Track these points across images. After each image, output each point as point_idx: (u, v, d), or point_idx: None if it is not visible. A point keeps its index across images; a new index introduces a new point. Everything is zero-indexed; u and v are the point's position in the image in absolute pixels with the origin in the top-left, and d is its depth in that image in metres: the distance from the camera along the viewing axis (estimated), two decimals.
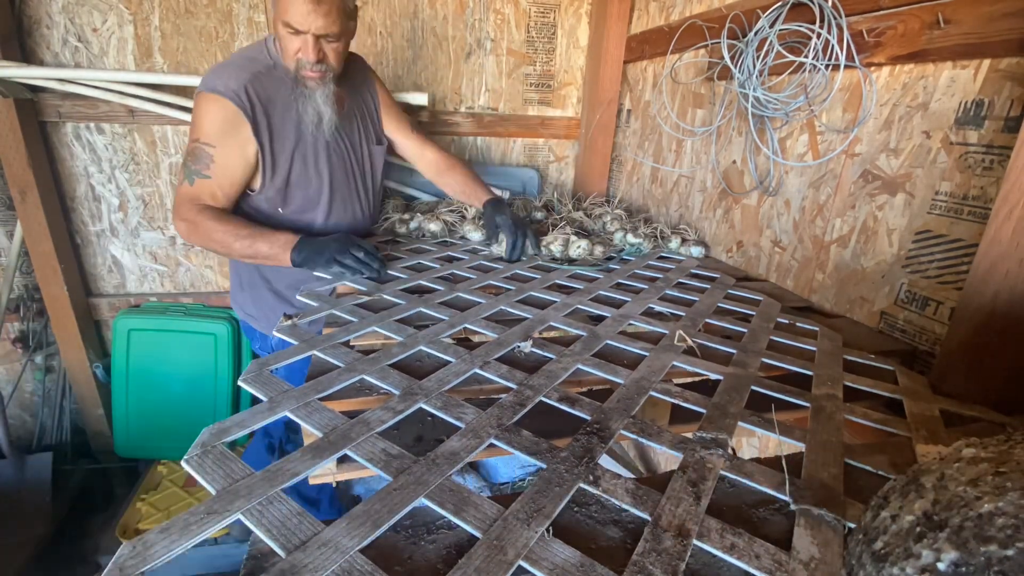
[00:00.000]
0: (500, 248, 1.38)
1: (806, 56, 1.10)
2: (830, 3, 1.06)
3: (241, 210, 1.29)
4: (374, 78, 1.48)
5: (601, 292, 1.15)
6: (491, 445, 0.63)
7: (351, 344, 0.87)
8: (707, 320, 1.03)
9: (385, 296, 1.06)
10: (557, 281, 1.21)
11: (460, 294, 1.09)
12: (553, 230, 1.44)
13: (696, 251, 1.49)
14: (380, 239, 1.47)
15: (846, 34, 1.05)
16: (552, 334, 0.96)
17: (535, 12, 2.04)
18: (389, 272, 1.20)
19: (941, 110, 0.93)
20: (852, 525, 0.51)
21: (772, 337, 0.96)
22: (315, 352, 0.81)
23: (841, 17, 1.06)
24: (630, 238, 1.51)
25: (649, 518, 0.52)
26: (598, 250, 1.39)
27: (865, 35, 1.04)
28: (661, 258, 1.47)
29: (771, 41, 1.16)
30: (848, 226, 1.12)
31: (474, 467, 2.10)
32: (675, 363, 0.84)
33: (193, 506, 0.50)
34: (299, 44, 1.14)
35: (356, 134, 1.40)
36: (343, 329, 0.89)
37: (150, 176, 1.89)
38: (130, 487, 1.95)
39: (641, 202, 1.99)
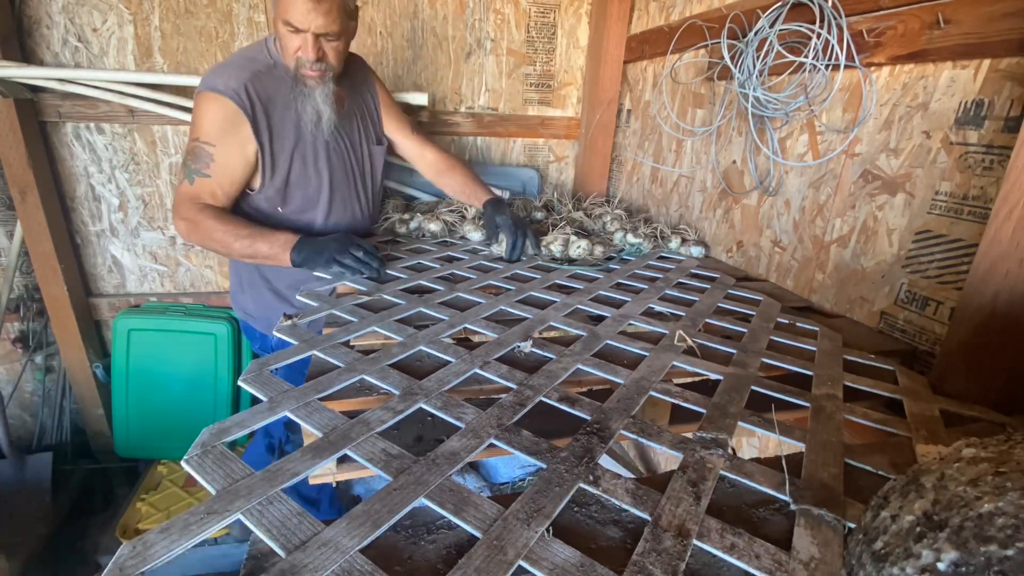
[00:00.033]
0: (500, 248, 1.38)
1: (806, 56, 1.10)
2: (830, 3, 1.06)
3: (241, 209, 1.29)
4: (374, 78, 1.48)
5: (601, 292, 1.15)
6: (491, 445, 0.63)
7: (351, 344, 0.87)
8: (707, 320, 1.03)
9: (385, 296, 1.06)
10: (557, 281, 1.21)
11: (460, 294, 1.09)
12: (553, 230, 1.44)
13: (696, 251, 1.49)
14: (380, 239, 1.47)
15: (846, 34, 1.05)
16: (552, 334, 0.96)
17: (535, 12, 2.04)
18: (389, 272, 1.20)
19: (941, 110, 0.93)
20: (852, 525, 0.51)
21: (772, 337, 0.96)
22: (315, 352, 0.81)
23: (841, 17, 1.06)
24: (630, 238, 1.52)
25: (649, 518, 0.52)
26: (598, 250, 1.39)
27: (865, 35, 1.04)
28: (661, 258, 1.47)
29: (771, 41, 1.16)
30: (848, 226, 1.12)
31: (474, 467, 2.10)
32: (675, 363, 0.84)
33: (193, 506, 0.50)
34: (299, 42, 1.14)
35: (356, 134, 1.40)
36: (343, 329, 0.89)
37: (150, 176, 1.89)
38: (130, 487, 1.96)
39: (641, 202, 1.99)
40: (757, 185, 1.37)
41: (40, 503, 1.82)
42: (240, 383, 0.72)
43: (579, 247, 1.38)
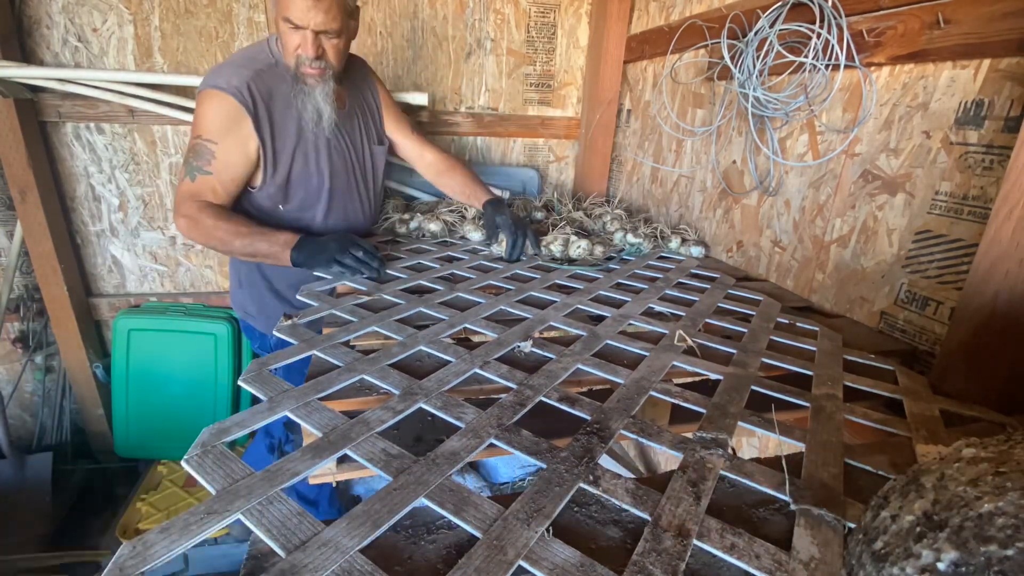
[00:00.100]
0: (500, 248, 1.38)
1: (806, 56, 1.10)
2: (830, 3, 1.06)
3: (242, 207, 1.30)
4: (375, 79, 1.48)
5: (601, 292, 1.15)
6: (491, 445, 0.63)
7: (351, 344, 0.87)
8: (707, 320, 1.03)
9: (385, 296, 1.06)
10: (557, 281, 1.21)
11: (460, 294, 1.09)
12: (553, 230, 1.44)
13: (696, 251, 1.49)
14: (380, 239, 1.47)
15: (846, 34, 1.05)
16: (552, 334, 0.96)
17: (535, 12, 2.04)
18: (389, 272, 1.20)
19: (941, 110, 0.93)
20: (852, 525, 0.51)
21: (772, 337, 0.96)
22: (315, 352, 0.81)
23: (841, 17, 1.06)
24: (630, 238, 1.51)
25: (649, 518, 0.52)
26: (598, 250, 1.39)
27: (865, 35, 1.04)
28: (661, 258, 1.47)
29: (771, 41, 1.16)
30: (848, 226, 1.12)
31: (474, 467, 2.10)
32: (675, 363, 0.84)
33: (193, 506, 0.50)
34: (299, 40, 1.14)
35: (357, 133, 1.40)
36: (343, 329, 0.89)
37: (150, 176, 1.89)
38: (130, 487, 1.95)
39: (641, 202, 1.99)
40: (757, 185, 1.37)
41: (40, 503, 1.82)
42: (240, 383, 0.72)
43: (579, 247, 1.38)
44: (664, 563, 0.46)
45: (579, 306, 1.06)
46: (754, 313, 1.07)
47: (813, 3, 1.08)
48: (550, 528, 0.50)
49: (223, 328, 1.94)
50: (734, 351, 0.89)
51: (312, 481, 0.67)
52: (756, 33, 1.20)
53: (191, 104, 1.69)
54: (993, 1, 0.83)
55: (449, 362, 0.80)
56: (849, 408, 0.73)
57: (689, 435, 0.66)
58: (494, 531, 0.49)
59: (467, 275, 1.22)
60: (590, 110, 2.11)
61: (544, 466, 0.58)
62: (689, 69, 1.64)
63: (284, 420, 0.66)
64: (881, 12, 1.01)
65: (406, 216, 1.58)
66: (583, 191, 2.17)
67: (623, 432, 0.66)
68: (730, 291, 1.20)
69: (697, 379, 0.84)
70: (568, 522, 0.53)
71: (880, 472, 0.61)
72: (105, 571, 0.43)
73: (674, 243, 1.53)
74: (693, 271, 1.35)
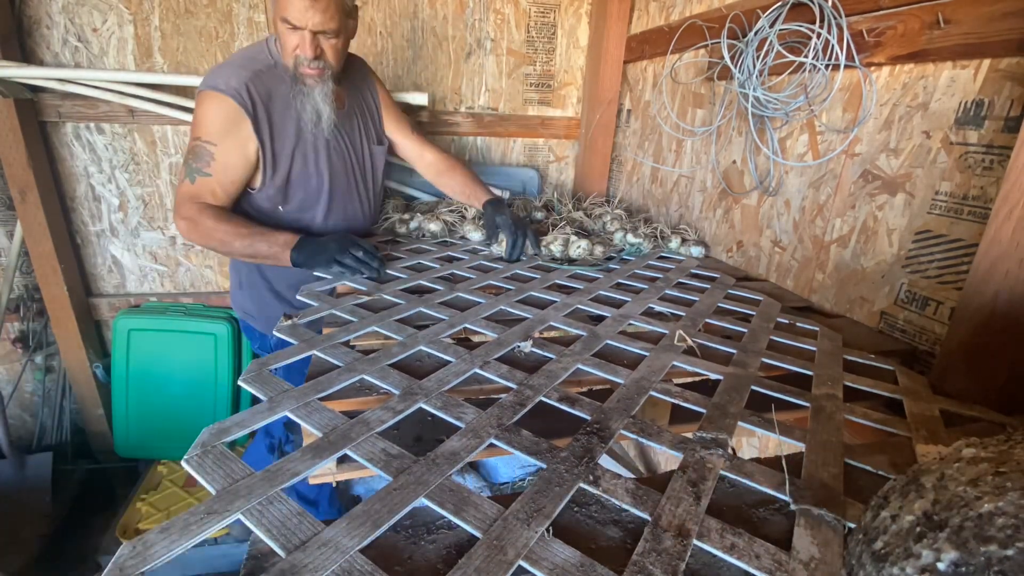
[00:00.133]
0: (500, 248, 1.38)
1: (806, 56, 1.10)
2: (830, 3, 1.06)
3: (241, 208, 1.30)
4: (374, 79, 1.48)
5: (601, 292, 1.15)
6: (491, 445, 0.63)
7: (351, 344, 0.87)
8: (707, 320, 1.03)
9: (385, 296, 1.06)
10: (557, 281, 1.21)
11: (460, 294, 1.09)
12: (553, 230, 1.44)
13: (696, 251, 1.49)
14: (380, 239, 1.47)
15: (846, 34, 1.05)
16: (552, 334, 0.96)
17: (535, 12, 2.04)
18: (389, 272, 1.20)
19: (941, 110, 0.93)
20: (852, 525, 0.51)
21: (772, 337, 0.96)
22: (315, 352, 0.81)
23: (841, 17, 1.06)
24: (630, 238, 1.51)
25: (649, 518, 0.52)
26: (598, 250, 1.39)
27: (865, 35, 1.04)
28: (661, 258, 1.47)
29: (771, 41, 1.16)
30: (848, 226, 1.12)
31: (474, 467, 2.10)
32: (675, 363, 0.84)
33: (193, 506, 0.50)
34: (297, 40, 1.15)
35: (356, 133, 1.40)
36: (343, 329, 0.89)
37: (150, 176, 1.89)
38: (130, 487, 1.95)
39: (641, 202, 1.99)
40: (757, 185, 1.37)
41: (40, 503, 1.82)
42: (240, 383, 0.72)
43: (579, 247, 1.38)
44: (664, 563, 0.46)
45: (579, 306, 1.06)
46: (754, 313, 1.07)
47: (813, 3, 1.08)
48: (550, 528, 0.50)
49: (223, 328, 1.94)
50: (734, 351, 0.89)
51: (312, 481, 0.67)
52: (756, 33, 1.20)
53: (191, 104, 1.69)
54: (993, 1, 0.83)
55: (449, 362, 0.80)
56: (849, 408, 0.73)
57: (689, 435, 0.66)
58: (494, 531, 0.49)
59: (467, 275, 1.22)
60: (590, 110, 2.11)
61: (544, 466, 0.58)
62: (689, 69, 1.64)
63: (284, 420, 0.66)
64: (881, 12, 1.01)
65: (406, 216, 1.58)
66: (583, 191, 2.17)
67: (623, 432, 0.66)
68: (730, 291, 1.20)
69: (697, 379, 0.84)
70: (568, 522, 0.53)
71: (880, 472, 0.61)
72: (105, 571, 0.43)
73: (674, 243, 1.53)
74: (693, 271, 1.35)
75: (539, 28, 2.07)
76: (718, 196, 1.54)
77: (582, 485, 0.56)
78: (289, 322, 0.90)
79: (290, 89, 1.22)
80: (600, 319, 1.02)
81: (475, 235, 1.51)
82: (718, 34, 1.32)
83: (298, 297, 1.04)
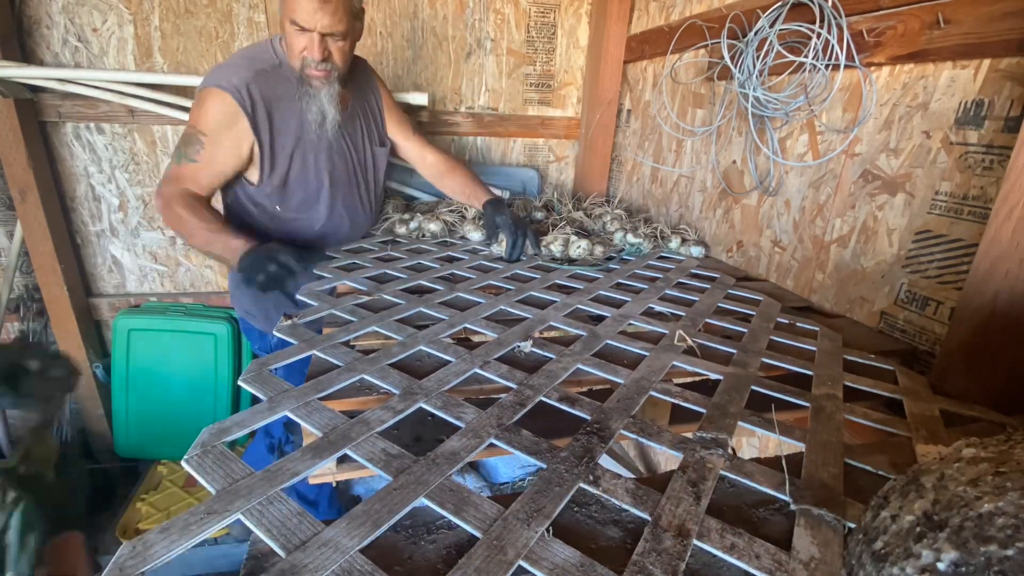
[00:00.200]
0: (500, 248, 1.39)
1: (806, 56, 1.10)
2: (830, 3, 1.06)
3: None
4: (377, 80, 1.48)
5: (601, 292, 1.15)
6: (491, 445, 0.63)
7: (351, 344, 0.87)
8: (707, 320, 1.03)
9: (385, 296, 1.06)
10: (557, 281, 1.21)
11: (460, 294, 1.09)
12: (553, 230, 1.44)
13: (696, 251, 1.49)
14: (380, 239, 1.47)
15: (846, 34, 1.05)
16: (552, 334, 0.96)
17: (535, 12, 2.04)
18: (389, 272, 1.20)
19: (941, 110, 0.93)
20: (852, 525, 0.51)
21: (772, 337, 0.96)
22: (315, 352, 0.81)
23: (841, 17, 1.06)
24: (630, 238, 1.51)
25: (649, 518, 0.52)
26: (598, 250, 1.39)
27: (865, 35, 1.04)
28: (661, 258, 1.47)
29: (771, 41, 1.16)
30: (848, 226, 1.12)
31: (474, 467, 2.10)
32: (675, 363, 0.84)
33: (193, 506, 0.50)
34: (305, 42, 1.15)
35: (359, 135, 1.40)
36: (343, 329, 0.89)
37: (150, 176, 1.89)
38: (130, 487, 1.95)
39: (641, 202, 1.99)
40: (757, 185, 1.37)
41: None
42: (240, 383, 0.72)
43: (579, 247, 1.38)
44: (664, 563, 0.46)
45: (579, 306, 1.06)
46: (754, 313, 1.07)
47: (813, 3, 1.08)
48: (550, 528, 0.50)
49: (223, 328, 1.94)
50: (734, 351, 0.89)
51: (312, 481, 0.67)
52: (756, 33, 1.20)
53: (191, 104, 1.69)
54: (993, 1, 0.83)
55: (449, 362, 0.80)
56: (849, 408, 0.73)
57: (689, 435, 0.66)
58: (494, 531, 0.49)
59: (467, 275, 1.22)
60: (590, 110, 2.11)
61: (544, 466, 0.58)
62: (689, 69, 1.64)
63: (284, 420, 0.66)
64: (881, 12, 1.01)
65: (406, 216, 1.58)
66: (583, 191, 2.16)
67: (623, 432, 0.66)
68: (730, 291, 1.20)
69: (697, 379, 0.84)
70: (568, 522, 0.53)
71: (880, 472, 0.61)
72: (105, 571, 0.43)
73: (674, 243, 1.53)
74: (693, 271, 1.35)
75: (539, 28, 2.07)
76: (718, 196, 1.54)
77: (582, 485, 0.56)
78: (289, 322, 0.90)
79: (296, 90, 1.22)
80: (600, 319, 1.02)
81: (475, 235, 1.51)
82: (718, 34, 1.32)
83: (298, 297, 1.04)
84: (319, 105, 1.22)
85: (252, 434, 1.70)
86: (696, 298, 1.14)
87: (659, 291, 1.17)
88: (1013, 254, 0.77)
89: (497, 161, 2.23)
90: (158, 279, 2.03)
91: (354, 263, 1.26)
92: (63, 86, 1.66)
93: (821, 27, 1.07)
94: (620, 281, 1.23)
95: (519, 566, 0.46)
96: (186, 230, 1.19)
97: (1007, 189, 0.77)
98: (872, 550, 0.42)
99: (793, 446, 0.65)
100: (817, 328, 1.01)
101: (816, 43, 1.08)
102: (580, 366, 0.81)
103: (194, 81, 1.70)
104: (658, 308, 1.09)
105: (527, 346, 0.87)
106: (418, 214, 1.59)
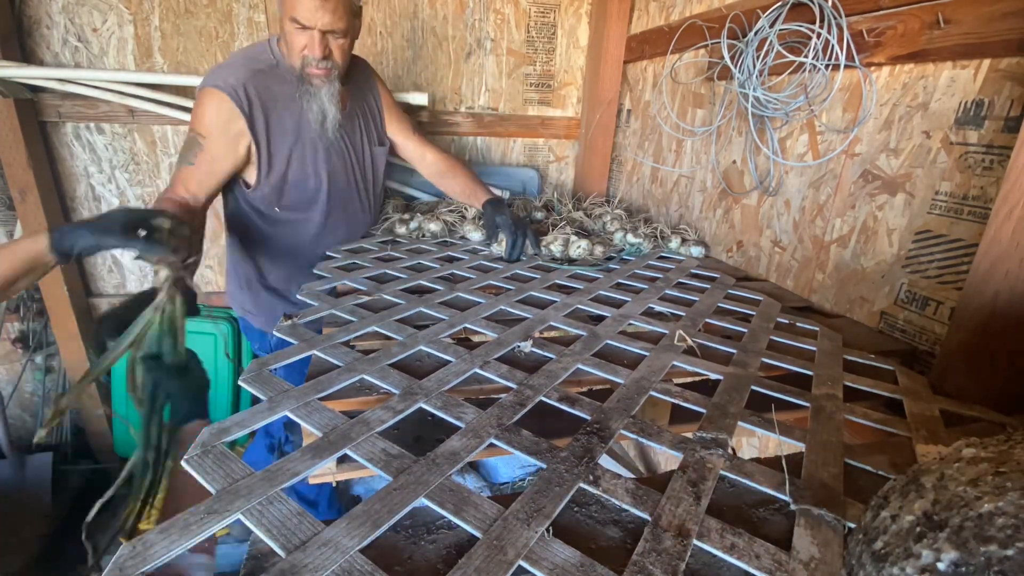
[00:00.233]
0: (500, 248, 1.38)
1: (806, 56, 1.10)
2: (830, 3, 1.06)
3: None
4: (376, 79, 1.48)
5: (601, 292, 1.15)
6: (491, 445, 0.63)
7: (351, 344, 0.87)
8: (707, 320, 1.03)
9: (385, 296, 1.06)
10: (557, 281, 1.21)
11: (460, 294, 1.09)
12: (553, 230, 1.44)
13: (696, 251, 1.49)
14: (380, 239, 1.47)
15: (846, 34, 1.05)
16: (552, 334, 0.96)
17: (535, 12, 2.04)
18: (389, 272, 1.20)
19: (941, 110, 0.93)
20: (852, 525, 0.51)
21: (772, 337, 0.96)
22: (315, 352, 0.81)
23: (841, 17, 1.06)
24: (630, 238, 1.51)
25: (649, 518, 0.52)
26: (598, 250, 1.39)
27: (865, 35, 1.04)
28: (661, 258, 1.46)
29: (771, 41, 1.16)
30: (848, 226, 1.12)
31: (474, 467, 2.10)
32: (675, 363, 0.84)
33: (193, 506, 0.50)
34: (306, 40, 1.15)
35: (358, 134, 1.40)
36: (343, 329, 0.89)
37: (150, 176, 1.89)
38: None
39: (641, 202, 1.99)
40: (757, 185, 1.37)
41: (40, 503, 1.82)
42: (240, 383, 0.72)
43: (579, 247, 1.38)
44: (664, 563, 0.46)
45: (579, 306, 1.06)
46: (754, 313, 1.07)
47: (813, 3, 1.08)
48: (550, 528, 0.50)
49: (223, 328, 1.95)
50: (734, 351, 0.89)
51: (312, 481, 0.67)
52: (756, 33, 1.20)
53: (191, 104, 1.69)
54: (993, 1, 0.83)
55: (449, 362, 0.80)
56: (849, 408, 0.73)
57: (689, 435, 0.66)
58: (494, 531, 0.49)
59: (467, 275, 1.22)
60: (590, 110, 2.11)
61: (544, 466, 0.58)
62: (689, 69, 1.64)
63: (284, 420, 0.66)
64: (881, 12, 1.01)
65: (406, 216, 1.57)
66: (583, 191, 2.17)
67: (623, 432, 0.66)
68: (730, 291, 1.20)
69: (697, 379, 0.84)
70: (568, 522, 0.53)
71: (880, 472, 0.61)
72: (105, 571, 0.43)
73: (674, 243, 1.53)
74: (693, 271, 1.35)
75: (539, 28, 2.07)
76: (718, 196, 1.54)
77: (582, 485, 0.56)
78: (289, 322, 0.90)
79: (295, 89, 1.22)
80: (600, 319, 1.02)
81: (475, 235, 1.51)
82: (718, 34, 1.32)
83: (298, 296, 1.04)
84: (319, 104, 1.22)
85: (252, 434, 1.70)
86: (696, 298, 1.14)
87: (659, 291, 1.17)
88: (1013, 254, 0.77)
89: (497, 161, 2.23)
90: None
91: (354, 263, 1.26)
92: (63, 86, 1.66)
93: (821, 27, 1.07)
94: (620, 281, 1.23)
95: (519, 566, 0.46)
96: None
97: (1007, 189, 0.77)
98: (872, 550, 0.42)
99: (793, 446, 0.65)
100: (817, 328, 1.01)
101: (816, 43, 1.08)
102: (580, 366, 0.81)
103: (194, 81, 1.70)
104: (658, 308, 1.09)
105: (527, 346, 0.87)
106: (418, 214, 1.59)
